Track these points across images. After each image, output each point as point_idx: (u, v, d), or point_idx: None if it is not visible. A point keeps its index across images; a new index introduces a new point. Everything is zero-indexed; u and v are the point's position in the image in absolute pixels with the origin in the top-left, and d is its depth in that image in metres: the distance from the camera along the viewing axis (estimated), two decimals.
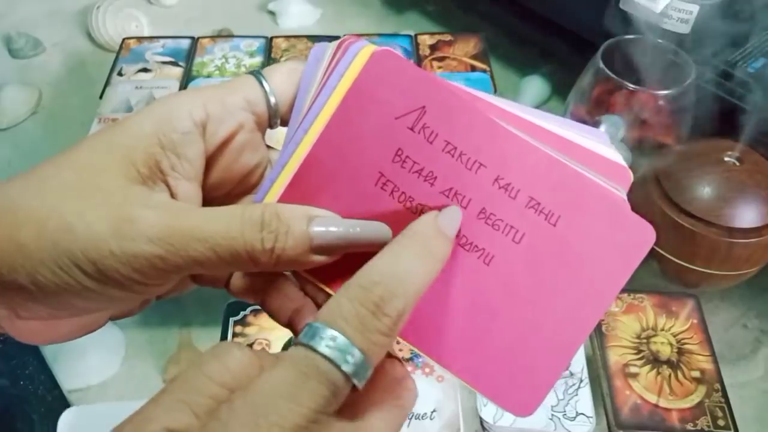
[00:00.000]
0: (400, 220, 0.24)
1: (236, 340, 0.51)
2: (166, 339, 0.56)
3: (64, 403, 0.50)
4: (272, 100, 0.25)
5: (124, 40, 0.77)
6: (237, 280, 0.27)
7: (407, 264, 0.21)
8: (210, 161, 0.25)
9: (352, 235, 0.23)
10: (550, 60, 0.77)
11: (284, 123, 0.26)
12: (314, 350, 0.19)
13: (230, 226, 0.22)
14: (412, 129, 0.24)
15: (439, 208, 0.24)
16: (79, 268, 0.22)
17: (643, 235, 0.24)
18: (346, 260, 0.24)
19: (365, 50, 0.25)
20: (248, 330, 0.52)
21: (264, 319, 0.52)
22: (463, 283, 0.25)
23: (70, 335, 0.26)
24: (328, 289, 0.26)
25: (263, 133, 0.27)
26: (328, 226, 0.23)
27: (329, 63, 0.25)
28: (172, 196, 0.24)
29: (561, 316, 0.24)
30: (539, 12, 0.71)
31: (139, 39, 0.77)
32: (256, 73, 0.26)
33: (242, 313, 0.53)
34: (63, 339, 0.26)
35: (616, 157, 0.25)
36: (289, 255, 0.23)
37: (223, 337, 0.52)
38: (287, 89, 0.26)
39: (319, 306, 0.26)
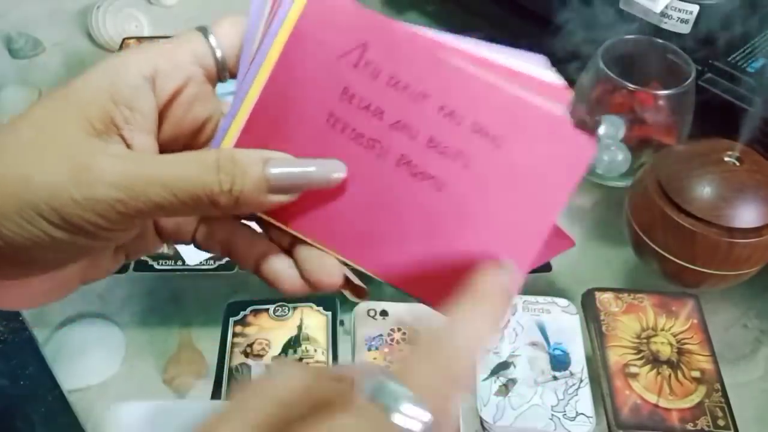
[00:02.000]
0: (352, 155, 0.25)
1: (236, 340, 0.51)
2: (166, 339, 0.56)
3: (64, 403, 0.50)
4: (218, 53, 0.26)
5: (124, 40, 0.77)
6: (202, 232, 0.28)
7: (480, 329, 0.23)
8: (162, 114, 0.26)
9: (307, 174, 0.24)
10: (549, 60, 0.77)
11: (233, 75, 0.27)
12: (388, 410, 0.19)
13: (187, 169, 0.23)
14: (355, 66, 0.25)
15: (389, 141, 0.25)
16: (43, 217, 0.22)
17: (584, 147, 0.24)
18: (305, 199, 0.25)
19: None
20: (248, 330, 0.52)
21: (264, 319, 0.52)
22: (419, 210, 0.25)
23: (43, 298, 0.27)
24: (289, 230, 0.27)
25: (214, 86, 0.27)
26: (284, 166, 0.24)
27: (270, 12, 0.26)
28: (128, 148, 0.25)
29: (514, 233, 0.25)
30: (539, 12, 0.71)
31: (139, 39, 0.77)
32: (202, 28, 0.27)
33: (242, 313, 0.53)
34: (36, 303, 0.27)
35: (554, 77, 0.25)
36: (247, 196, 0.23)
37: (223, 337, 0.52)
38: (233, 42, 0.26)
39: (284, 249, 0.27)
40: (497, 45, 0.26)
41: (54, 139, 0.23)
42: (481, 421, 0.47)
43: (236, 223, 0.28)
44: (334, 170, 0.25)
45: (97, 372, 0.54)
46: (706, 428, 0.46)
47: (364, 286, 0.28)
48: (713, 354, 0.50)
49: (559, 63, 0.74)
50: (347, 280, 0.27)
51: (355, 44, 0.25)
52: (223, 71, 0.27)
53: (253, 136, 0.26)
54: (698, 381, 0.48)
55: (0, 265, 0.24)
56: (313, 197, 0.25)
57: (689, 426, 0.46)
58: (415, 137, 0.25)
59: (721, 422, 0.46)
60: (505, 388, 0.48)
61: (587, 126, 0.63)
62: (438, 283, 0.25)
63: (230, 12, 0.27)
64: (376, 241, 0.26)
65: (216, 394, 0.49)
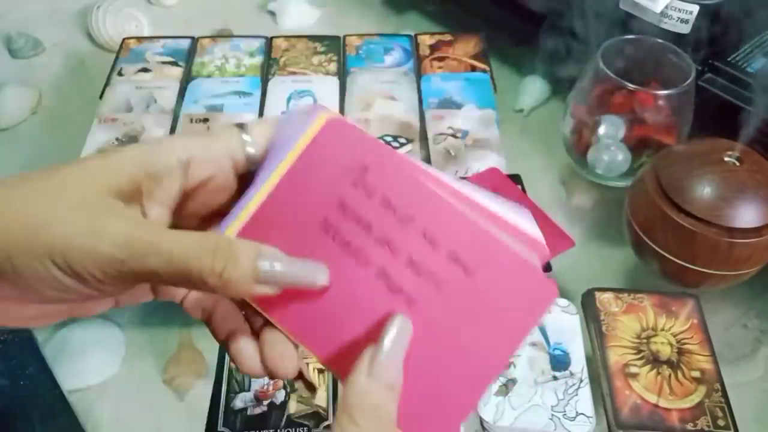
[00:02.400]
0: (337, 260, 0.28)
1: None
2: (166, 339, 0.56)
3: (64, 403, 0.50)
4: (250, 151, 0.29)
5: (124, 40, 0.77)
6: (190, 298, 0.31)
7: None
8: (189, 194, 0.29)
9: (292, 273, 0.26)
10: (550, 60, 0.77)
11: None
12: None
13: (187, 246, 0.25)
14: (354, 184, 0.28)
15: (372, 254, 0.27)
16: (52, 261, 0.25)
17: (547, 293, 0.26)
18: (288, 291, 0.27)
19: (320, 117, 0.28)
20: None
21: None
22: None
23: (31, 323, 0.29)
24: (267, 316, 0.29)
25: (238, 176, 0.30)
26: (273, 261, 0.26)
27: (294, 125, 0.29)
28: (144, 215, 0.27)
29: (472, 359, 0.26)
30: (539, 12, 0.71)
31: (139, 39, 0.77)
32: (241, 125, 0.30)
33: None
34: (24, 324, 0.29)
35: (534, 230, 0.28)
36: (235, 283, 0.25)
37: None
38: (262, 142, 0.30)
39: (253, 330, 0.30)
40: (489, 192, 0.28)
41: (80, 193, 0.26)
42: (481, 421, 0.47)
43: (221, 297, 0.30)
44: (318, 275, 0.27)
45: (97, 372, 0.54)
46: (706, 428, 0.46)
47: (315, 383, 0.30)
48: (713, 354, 0.50)
49: (558, 63, 0.74)
50: (301, 373, 0.30)
51: (357, 165, 0.28)
52: (251, 165, 0.30)
53: (256, 228, 0.28)
54: (698, 381, 0.48)
55: (3, 287, 0.26)
56: (295, 291, 0.27)
57: (689, 426, 0.46)
58: (396, 254, 0.27)
59: (721, 422, 0.46)
60: (505, 388, 0.48)
61: (587, 126, 0.63)
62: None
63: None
64: (343, 343, 0.28)
65: (216, 394, 0.49)
